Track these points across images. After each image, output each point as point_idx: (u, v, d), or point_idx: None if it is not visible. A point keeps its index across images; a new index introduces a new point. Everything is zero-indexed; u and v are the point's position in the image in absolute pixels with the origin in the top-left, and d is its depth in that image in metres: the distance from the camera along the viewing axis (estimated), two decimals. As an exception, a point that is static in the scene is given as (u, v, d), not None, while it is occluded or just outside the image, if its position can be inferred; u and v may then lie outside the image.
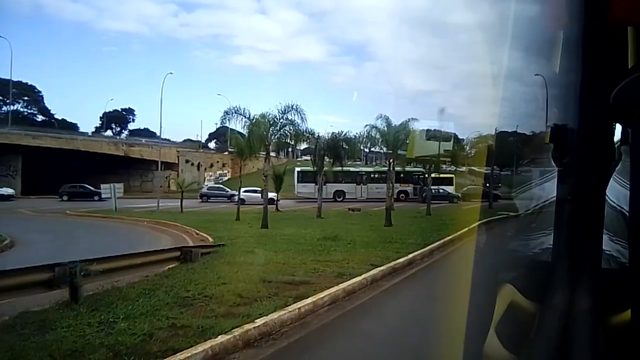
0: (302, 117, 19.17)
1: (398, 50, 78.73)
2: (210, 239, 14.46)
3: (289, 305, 6.41)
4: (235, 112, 18.74)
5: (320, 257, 10.54)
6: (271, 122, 18.87)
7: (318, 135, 23.61)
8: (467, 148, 31.50)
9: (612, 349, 1.11)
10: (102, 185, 28.36)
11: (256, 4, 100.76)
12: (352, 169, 36.40)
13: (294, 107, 18.80)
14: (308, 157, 41.17)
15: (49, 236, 18.16)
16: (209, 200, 35.37)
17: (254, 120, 18.84)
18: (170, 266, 9.21)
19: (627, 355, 1.07)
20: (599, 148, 1.14)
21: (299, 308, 6.35)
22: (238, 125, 20.37)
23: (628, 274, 1.14)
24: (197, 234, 16.71)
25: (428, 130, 24.83)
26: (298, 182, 36.95)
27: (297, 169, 36.19)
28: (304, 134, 23.24)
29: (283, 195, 35.95)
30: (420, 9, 71.67)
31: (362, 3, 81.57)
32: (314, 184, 37.52)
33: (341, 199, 35.65)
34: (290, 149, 64.74)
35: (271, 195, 35.61)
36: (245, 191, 36.30)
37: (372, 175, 36.70)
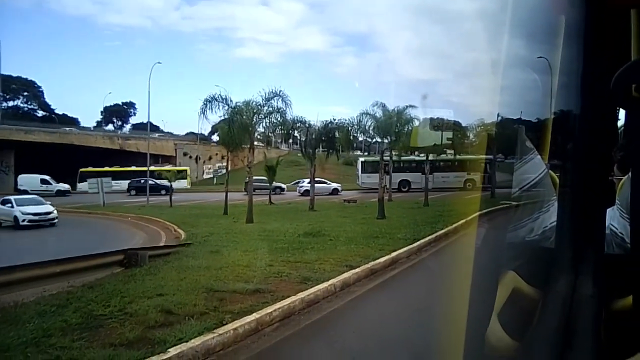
0: (287, 104, 17.82)
1: (400, 40, 76.54)
2: (184, 236, 13.37)
3: (225, 324, 5.24)
4: (216, 100, 17.46)
5: (292, 257, 9.36)
6: (255, 110, 17.58)
7: (309, 124, 22.26)
8: (471, 136, 29.91)
9: (614, 335, 1.10)
10: (89, 180, 27.39)
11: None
12: (416, 157, 34.24)
13: (278, 93, 17.46)
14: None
15: (23, 235, 17.72)
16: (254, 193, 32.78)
17: (236, 108, 17.57)
18: (116, 271, 8.14)
19: (629, 340, 1.04)
20: (602, 133, 1.14)
21: (235, 328, 5.16)
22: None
23: (630, 260, 1.12)
24: (175, 230, 15.70)
25: (432, 119, 23.69)
26: (362, 172, 35.34)
27: (361, 159, 34.02)
28: (296, 122, 22.03)
29: (345, 186, 34.93)
30: (422, -3, 69.51)
31: (363, -8, 79.20)
32: (378, 174, 35.32)
33: (406, 189, 33.09)
34: (291, 140, 63.46)
35: (335, 185, 34.69)
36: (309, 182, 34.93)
37: (438, 164, 34.33)
